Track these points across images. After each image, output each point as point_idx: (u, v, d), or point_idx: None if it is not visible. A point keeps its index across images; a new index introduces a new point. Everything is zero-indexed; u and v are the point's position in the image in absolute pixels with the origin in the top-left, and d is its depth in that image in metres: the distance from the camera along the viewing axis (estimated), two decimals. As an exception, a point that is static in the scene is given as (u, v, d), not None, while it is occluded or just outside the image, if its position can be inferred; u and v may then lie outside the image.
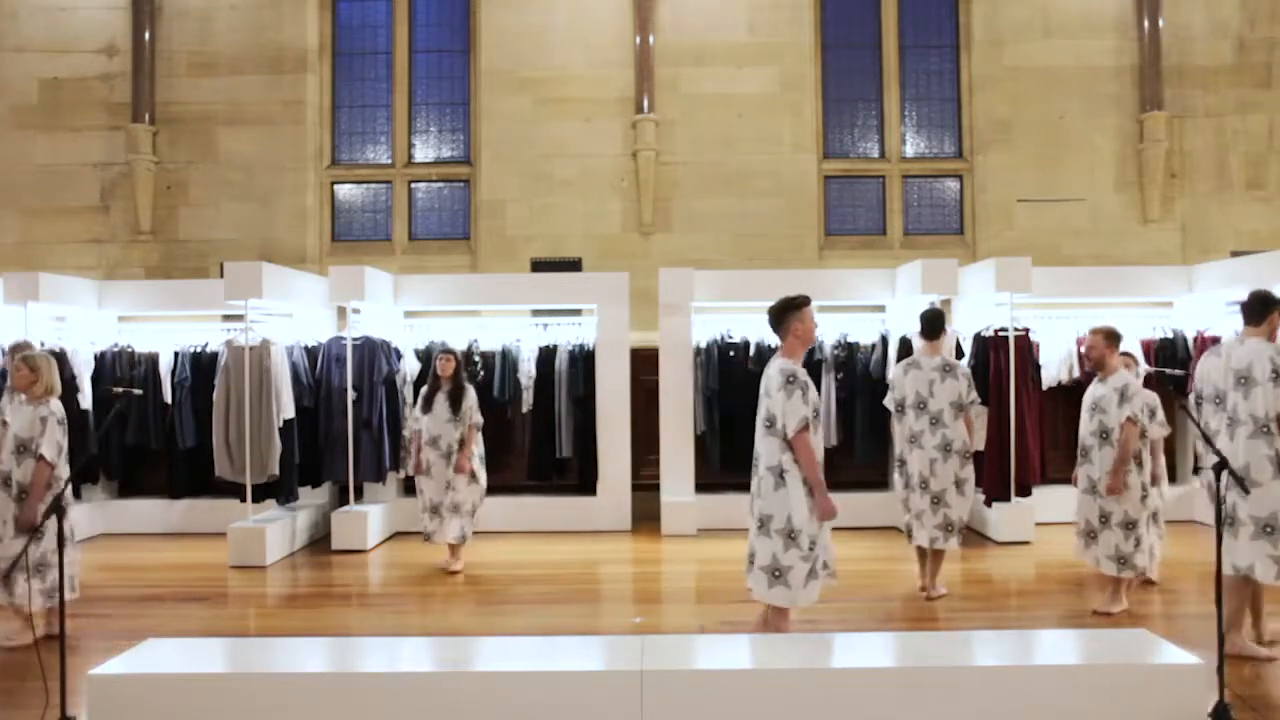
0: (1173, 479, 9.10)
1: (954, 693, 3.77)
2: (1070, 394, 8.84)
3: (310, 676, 3.86)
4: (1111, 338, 5.71)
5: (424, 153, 11.15)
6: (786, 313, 4.56)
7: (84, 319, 8.78)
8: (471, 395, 7.11)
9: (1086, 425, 5.74)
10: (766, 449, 4.52)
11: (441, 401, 7.05)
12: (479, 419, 7.15)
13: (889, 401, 6.36)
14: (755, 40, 10.67)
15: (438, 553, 7.49)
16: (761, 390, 4.59)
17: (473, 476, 7.09)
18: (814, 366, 8.70)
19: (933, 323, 6.20)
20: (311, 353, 8.49)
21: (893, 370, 6.85)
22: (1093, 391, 5.77)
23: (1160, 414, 6.01)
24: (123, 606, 6.27)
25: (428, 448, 7.07)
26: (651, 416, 8.80)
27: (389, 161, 11.11)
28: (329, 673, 3.92)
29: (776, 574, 4.48)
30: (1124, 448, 5.52)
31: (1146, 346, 8.79)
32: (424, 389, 7.21)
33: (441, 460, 7.05)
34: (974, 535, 8.14)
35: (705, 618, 5.95)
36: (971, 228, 10.85)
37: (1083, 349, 6.01)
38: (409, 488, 8.11)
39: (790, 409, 4.39)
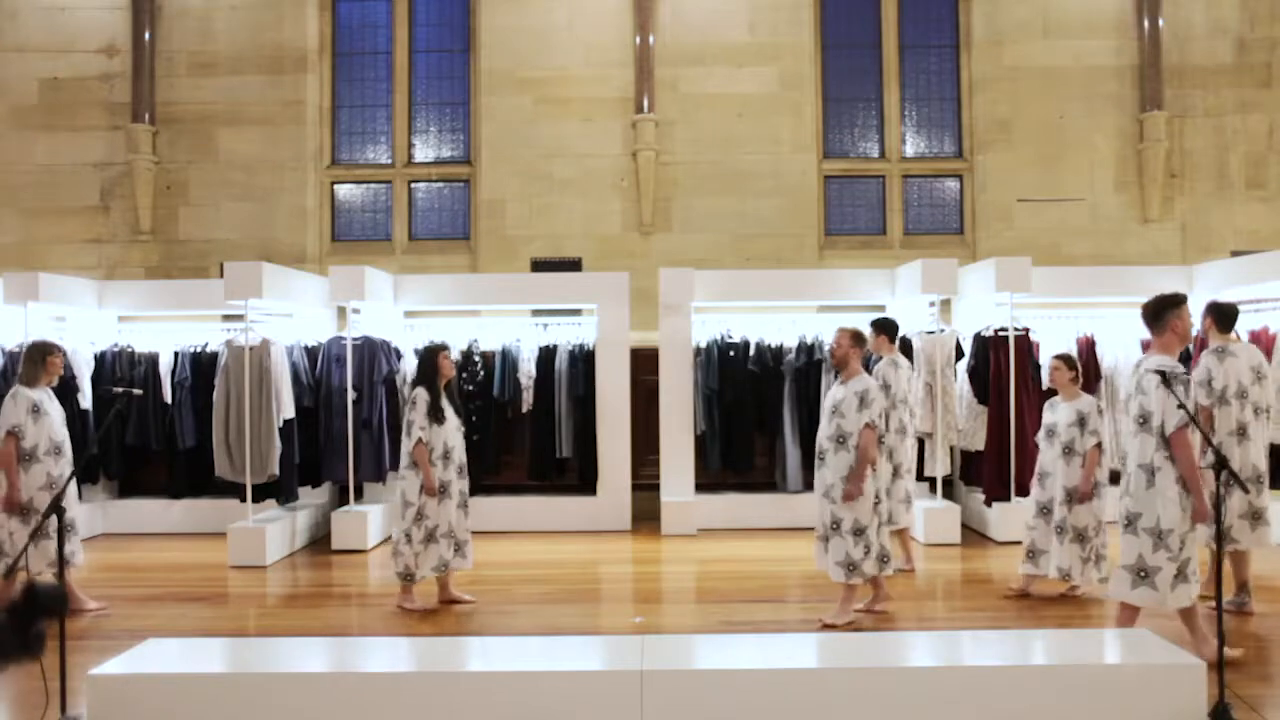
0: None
1: (954, 693, 3.78)
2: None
3: (310, 676, 3.86)
4: (858, 339, 5.69)
5: (424, 153, 11.14)
6: (1166, 310, 4.63)
7: (84, 319, 8.77)
8: None
9: (824, 429, 5.61)
10: (1138, 446, 4.54)
11: (449, 407, 6.04)
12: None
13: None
14: (755, 40, 10.67)
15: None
16: (1133, 388, 4.63)
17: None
18: (814, 366, 8.70)
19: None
20: (311, 353, 8.50)
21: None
22: (832, 395, 5.66)
23: (1093, 422, 5.88)
24: (123, 606, 6.26)
25: (440, 463, 5.94)
26: (651, 416, 8.80)
27: (389, 161, 11.11)
28: (329, 673, 3.93)
29: (1142, 574, 4.50)
30: (864, 454, 5.42)
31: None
32: (421, 392, 5.91)
33: (455, 475, 6.04)
34: (974, 535, 8.15)
35: (705, 618, 5.95)
36: (971, 227, 10.85)
37: (827, 347, 5.99)
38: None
39: (1171, 406, 4.39)
